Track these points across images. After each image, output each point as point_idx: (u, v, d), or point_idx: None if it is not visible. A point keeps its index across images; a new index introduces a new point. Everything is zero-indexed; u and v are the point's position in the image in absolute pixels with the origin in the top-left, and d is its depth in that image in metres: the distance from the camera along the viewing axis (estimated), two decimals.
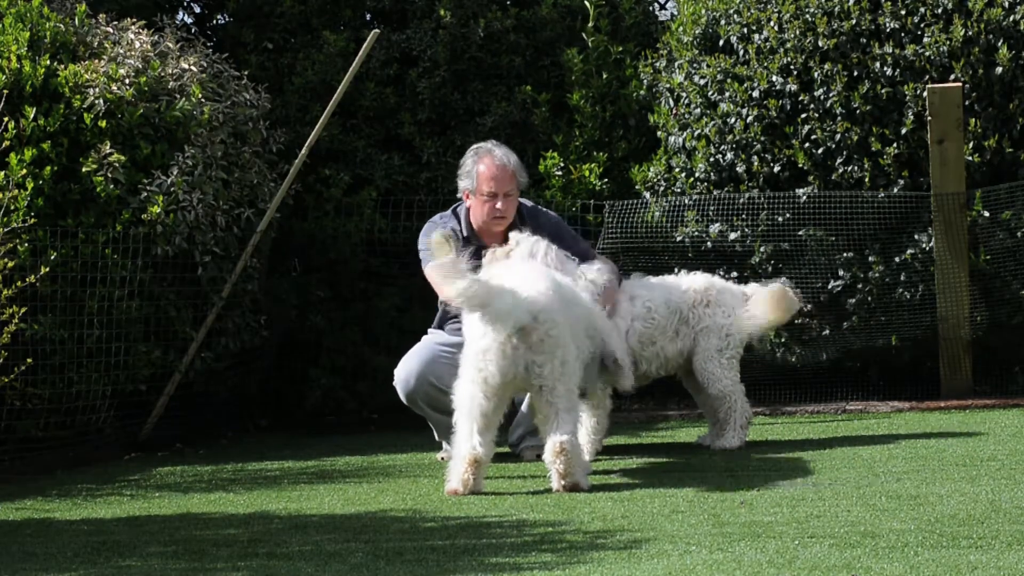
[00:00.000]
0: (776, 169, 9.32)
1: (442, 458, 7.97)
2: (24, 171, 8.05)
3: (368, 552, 5.42)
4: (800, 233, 9.19)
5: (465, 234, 7.77)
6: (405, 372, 7.78)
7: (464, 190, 7.77)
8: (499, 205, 7.64)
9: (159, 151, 8.58)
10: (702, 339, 7.79)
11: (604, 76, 10.16)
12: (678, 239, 9.40)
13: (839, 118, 9.15)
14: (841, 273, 9.18)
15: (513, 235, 7.57)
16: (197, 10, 11.04)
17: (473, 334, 6.77)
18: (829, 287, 9.21)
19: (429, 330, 7.97)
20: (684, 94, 9.69)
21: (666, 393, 9.63)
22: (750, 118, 9.33)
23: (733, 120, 9.39)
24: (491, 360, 6.64)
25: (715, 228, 9.32)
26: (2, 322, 7.36)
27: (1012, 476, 6.45)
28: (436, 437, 8.00)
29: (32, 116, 8.22)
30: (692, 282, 7.90)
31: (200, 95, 8.82)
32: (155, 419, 8.79)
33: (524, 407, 7.70)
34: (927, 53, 9.11)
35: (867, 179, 9.13)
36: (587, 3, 10.26)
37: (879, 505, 5.88)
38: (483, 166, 7.66)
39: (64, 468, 8.20)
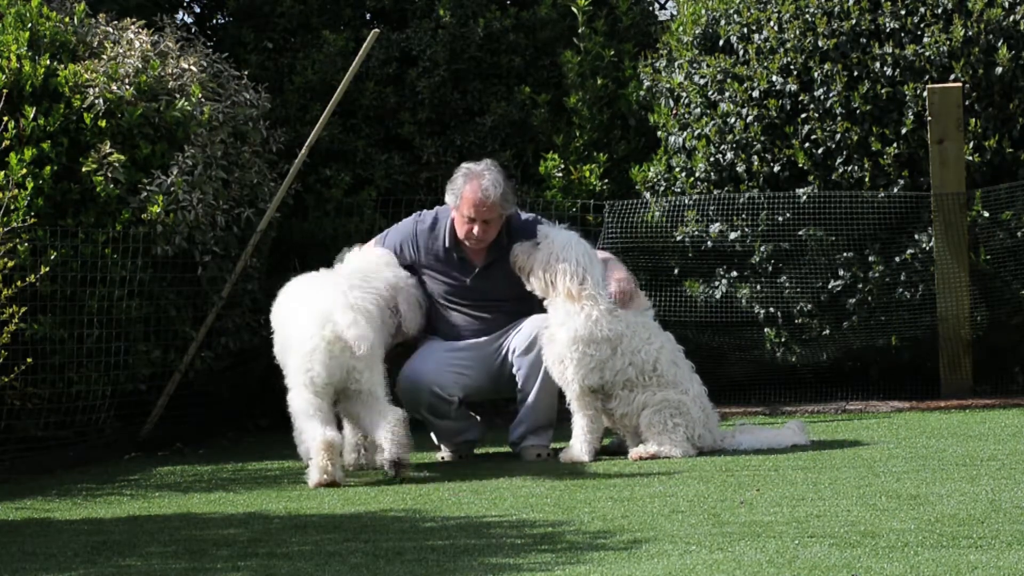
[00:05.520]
0: (776, 169, 9.31)
1: (441, 458, 7.98)
2: (24, 171, 8.05)
3: (368, 552, 5.42)
4: (800, 233, 9.19)
5: (447, 245, 7.82)
6: (409, 382, 7.77)
7: (450, 204, 7.82)
8: (475, 230, 7.70)
9: (159, 151, 8.58)
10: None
11: (599, 80, 10.14)
12: (678, 239, 9.40)
13: (839, 118, 9.15)
14: (841, 273, 9.18)
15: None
16: (197, 10, 11.04)
17: (300, 339, 7.27)
18: (829, 287, 9.21)
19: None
20: (684, 94, 9.69)
21: None
22: (750, 118, 9.33)
23: (733, 120, 9.39)
24: (318, 360, 7.17)
25: (715, 228, 9.32)
26: (2, 322, 7.36)
27: (1012, 476, 6.45)
28: (435, 440, 8.01)
29: (32, 116, 8.22)
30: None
31: (200, 95, 8.81)
32: (155, 419, 8.79)
33: (530, 399, 7.70)
34: (927, 53, 9.10)
35: (867, 179, 9.13)
36: (574, 8, 10.23)
37: (879, 505, 5.88)
38: (468, 189, 7.67)
39: (64, 468, 8.20)
